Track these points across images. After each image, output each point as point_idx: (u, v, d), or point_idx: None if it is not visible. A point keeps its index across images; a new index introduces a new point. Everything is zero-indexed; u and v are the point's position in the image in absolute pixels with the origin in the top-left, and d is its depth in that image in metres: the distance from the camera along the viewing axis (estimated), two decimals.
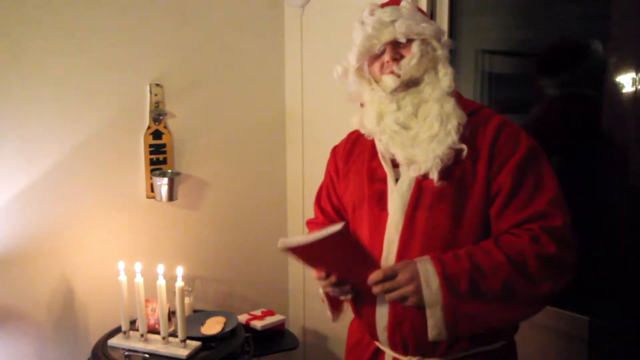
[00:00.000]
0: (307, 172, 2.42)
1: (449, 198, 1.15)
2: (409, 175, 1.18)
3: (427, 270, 1.08)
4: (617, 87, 1.34)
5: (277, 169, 2.49)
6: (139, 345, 1.76)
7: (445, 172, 1.14)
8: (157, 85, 2.07)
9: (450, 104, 1.16)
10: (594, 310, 1.45)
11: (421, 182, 1.16)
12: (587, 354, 1.45)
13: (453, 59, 1.77)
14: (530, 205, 1.12)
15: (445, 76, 1.18)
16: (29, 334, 1.82)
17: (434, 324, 1.09)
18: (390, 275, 1.10)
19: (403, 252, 1.17)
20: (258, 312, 2.20)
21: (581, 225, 1.20)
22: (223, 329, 1.87)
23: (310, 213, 2.40)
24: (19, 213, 1.78)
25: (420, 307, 1.10)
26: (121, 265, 1.79)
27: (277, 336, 2.14)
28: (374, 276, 1.10)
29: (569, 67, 1.65)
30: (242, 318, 2.13)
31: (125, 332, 1.80)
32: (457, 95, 1.22)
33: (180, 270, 1.78)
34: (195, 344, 1.76)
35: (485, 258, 1.09)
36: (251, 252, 2.40)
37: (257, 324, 2.10)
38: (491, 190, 1.14)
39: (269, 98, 2.42)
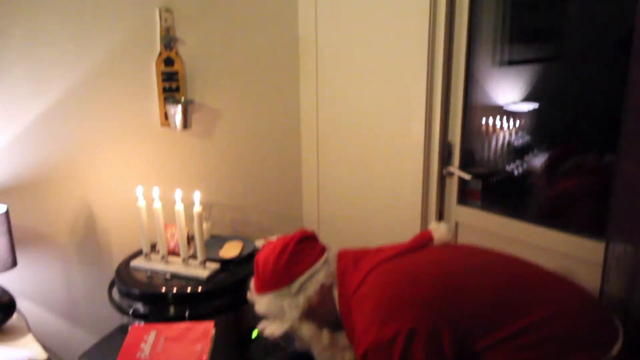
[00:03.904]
0: (321, 100, 2.40)
1: None
2: None
3: None
4: None
5: (290, 96, 2.46)
6: (160, 266, 1.82)
7: None
8: (167, 10, 2.01)
9: None
10: (609, 234, 1.45)
11: None
12: (601, 278, 1.46)
13: None
14: None
15: None
16: (55, 255, 1.89)
17: None
18: None
19: None
20: (274, 238, 2.24)
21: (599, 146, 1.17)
22: (241, 252, 1.92)
23: (325, 142, 2.41)
24: (36, 140, 1.79)
25: None
26: (139, 191, 1.82)
27: None
28: None
29: None
30: (259, 243, 2.18)
31: (146, 255, 1.86)
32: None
33: (197, 195, 1.81)
34: (214, 265, 1.82)
35: None
36: (266, 180, 2.43)
37: None
38: None
39: (281, 23, 2.36)
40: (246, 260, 1.91)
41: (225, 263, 1.86)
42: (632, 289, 1.37)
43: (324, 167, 2.46)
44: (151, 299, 1.71)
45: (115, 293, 1.81)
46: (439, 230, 1.42)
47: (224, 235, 2.17)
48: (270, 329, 1.39)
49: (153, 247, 1.92)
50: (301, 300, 1.33)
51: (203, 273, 1.76)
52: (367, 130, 2.23)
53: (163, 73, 2.04)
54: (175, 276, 1.78)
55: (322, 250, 1.41)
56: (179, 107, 2.02)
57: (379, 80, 2.13)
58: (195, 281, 1.74)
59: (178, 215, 1.79)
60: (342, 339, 1.38)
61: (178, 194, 1.80)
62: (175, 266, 1.81)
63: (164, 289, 1.71)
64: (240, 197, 2.36)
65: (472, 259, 1.34)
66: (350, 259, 1.37)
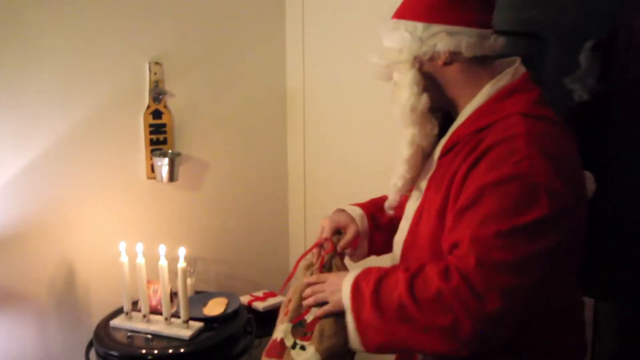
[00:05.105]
0: (308, 153, 2.40)
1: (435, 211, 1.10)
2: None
3: (347, 280, 1.07)
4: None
5: (278, 150, 2.46)
6: (141, 326, 1.75)
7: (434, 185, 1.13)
8: (157, 63, 2.02)
9: None
10: (599, 291, 1.45)
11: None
12: (592, 335, 1.45)
13: None
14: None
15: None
16: (31, 315, 1.81)
17: (350, 328, 1.05)
18: (320, 281, 1.14)
19: (405, 254, 1.20)
20: (260, 294, 2.19)
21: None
22: (225, 310, 1.86)
23: (312, 195, 2.39)
24: (18, 194, 1.75)
25: (336, 316, 1.08)
26: (122, 246, 1.77)
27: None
28: (309, 279, 1.17)
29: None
30: (244, 299, 2.12)
31: (127, 313, 1.79)
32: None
33: (182, 251, 1.77)
34: (198, 324, 1.75)
35: (392, 275, 1.02)
36: (252, 233, 2.39)
37: (259, 305, 2.10)
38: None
39: (269, 76, 2.39)
40: (231, 317, 1.84)
41: (209, 321, 1.80)
42: None
43: (311, 220, 2.43)
44: None
45: (93, 355, 1.73)
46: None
47: (208, 291, 2.11)
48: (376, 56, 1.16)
49: (135, 304, 1.85)
50: (425, 47, 1.07)
51: (186, 333, 1.70)
52: (355, 182, 2.22)
53: (151, 125, 2.03)
54: (157, 336, 1.71)
55: (488, 21, 1.10)
56: (166, 160, 2.00)
57: (367, 131, 2.14)
58: (177, 341, 1.68)
59: (162, 272, 1.73)
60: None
61: (162, 250, 1.75)
62: (157, 325, 1.74)
63: (144, 351, 1.63)
64: (225, 250, 2.31)
65: None
66: (536, 88, 1.09)
